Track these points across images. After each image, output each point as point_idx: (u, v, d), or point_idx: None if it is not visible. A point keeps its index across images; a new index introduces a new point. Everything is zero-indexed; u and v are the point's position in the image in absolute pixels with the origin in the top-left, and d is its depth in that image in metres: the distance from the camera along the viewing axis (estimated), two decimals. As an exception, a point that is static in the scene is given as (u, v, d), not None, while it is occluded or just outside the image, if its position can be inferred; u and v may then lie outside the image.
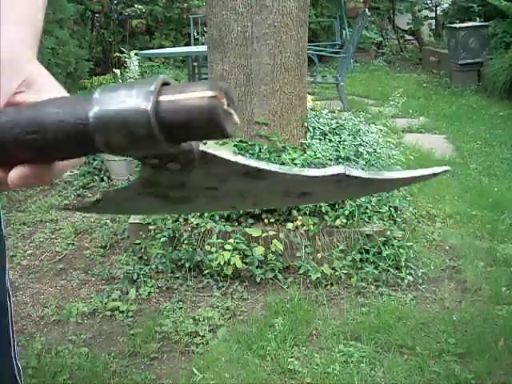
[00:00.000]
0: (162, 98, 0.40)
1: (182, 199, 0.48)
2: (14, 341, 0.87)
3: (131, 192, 0.48)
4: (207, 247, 2.65)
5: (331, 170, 0.43)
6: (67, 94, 0.52)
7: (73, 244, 3.19)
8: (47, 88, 0.53)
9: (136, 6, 9.02)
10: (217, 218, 2.73)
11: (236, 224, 2.76)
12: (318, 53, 6.61)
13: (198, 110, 0.39)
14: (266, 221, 2.75)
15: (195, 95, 0.39)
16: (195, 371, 2.11)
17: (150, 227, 2.77)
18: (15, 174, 0.46)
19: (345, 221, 2.71)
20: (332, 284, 2.64)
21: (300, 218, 2.72)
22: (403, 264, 2.69)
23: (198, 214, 2.73)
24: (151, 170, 0.44)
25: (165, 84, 0.41)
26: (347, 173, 0.43)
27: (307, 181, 0.44)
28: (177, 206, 0.50)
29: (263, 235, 2.67)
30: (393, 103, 4.48)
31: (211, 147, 0.43)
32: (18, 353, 0.88)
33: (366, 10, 6.65)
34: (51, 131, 0.43)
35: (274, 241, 2.65)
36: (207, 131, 0.40)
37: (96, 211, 0.52)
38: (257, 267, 2.66)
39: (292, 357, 2.17)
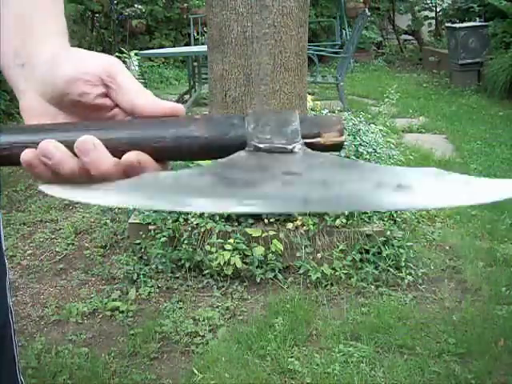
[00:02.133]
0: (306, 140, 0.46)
1: (246, 183, 0.44)
2: (17, 358, 0.87)
3: (195, 172, 0.46)
4: (207, 247, 2.65)
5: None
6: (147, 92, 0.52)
7: (73, 244, 3.19)
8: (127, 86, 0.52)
9: (136, 5, 9.02)
10: (217, 218, 2.73)
11: (236, 224, 2.76)
12: (318, 53, 6.60)
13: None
14: (265, 221, 2.75)
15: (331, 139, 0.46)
16: (195, 371, 2.11)
17: (150, 227, 2.77)
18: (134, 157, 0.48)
19: (345, 221, 2.71)
20: (332, 284, 2.64)
21: (300, 217, 2.72)
22: (403, 264, 2.69)
23: (198, 213, 2.73)
24: (244, 155, 0.46)
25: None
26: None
27: (404, 171, 0.44)
28: (232, 190, 0.44)
29: (263, 235, 2.67)
30: (387, 100, 4.47)
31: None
32: (20, 368, 0.88)
33: (366, 10, 6.66)
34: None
35: (274, 241, 2.65)
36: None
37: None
38: (257, 267, 2.66)
39: (292, 357, 2.17)
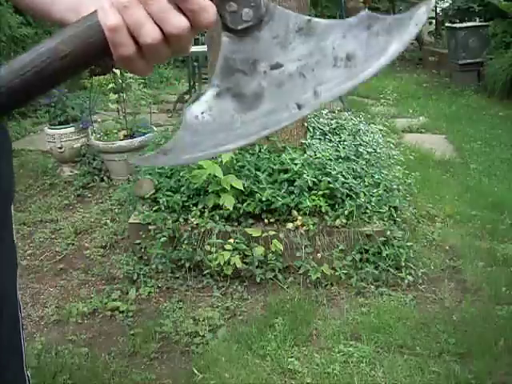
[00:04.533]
0: None
1: (254, 97, 0.53)
2: (24, 352, 0.87)
3: (210, 93, 0.53)
4: (207, 247, 2.65)
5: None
6: None
7: (73, 244, 3.19)
8: None
9: (136, 5, 9.00)
10: (217, 218, 2.73)
11: (236, 224, 2.76)
12: (318, 53, 6.59)
13: None
14: (266, 221, 2.75)
15: None
16: (195, 371, 2.12)
17: (150, 227, 2.77)
18: None
19: (345, 221, 2.70)
20: (332, 284, 2.64)
21: (300, 217, 2.72)
22: (403, 264, 2.69)
23: (198, 213, 2.73)
24: (229, 41, 0.53)
25: None
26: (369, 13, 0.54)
27: (347, 34, 0.53)
28: (249, 111, 0.53)
29: (263, 235, 2.67)
30: (383, 101, 4.47)
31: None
32: (27, 365, 0.88)
33: (366, 10, 6.65)
34: None
35: (274, 241, 2.65)
36: None
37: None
38: (257, 267, 2.66)
39: (292, 357, 2.17)
